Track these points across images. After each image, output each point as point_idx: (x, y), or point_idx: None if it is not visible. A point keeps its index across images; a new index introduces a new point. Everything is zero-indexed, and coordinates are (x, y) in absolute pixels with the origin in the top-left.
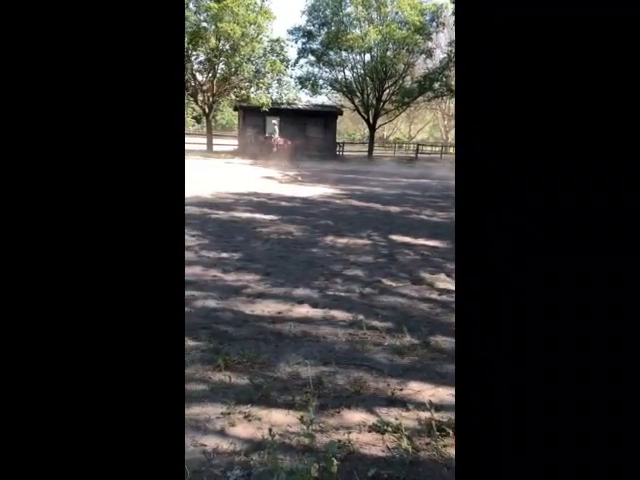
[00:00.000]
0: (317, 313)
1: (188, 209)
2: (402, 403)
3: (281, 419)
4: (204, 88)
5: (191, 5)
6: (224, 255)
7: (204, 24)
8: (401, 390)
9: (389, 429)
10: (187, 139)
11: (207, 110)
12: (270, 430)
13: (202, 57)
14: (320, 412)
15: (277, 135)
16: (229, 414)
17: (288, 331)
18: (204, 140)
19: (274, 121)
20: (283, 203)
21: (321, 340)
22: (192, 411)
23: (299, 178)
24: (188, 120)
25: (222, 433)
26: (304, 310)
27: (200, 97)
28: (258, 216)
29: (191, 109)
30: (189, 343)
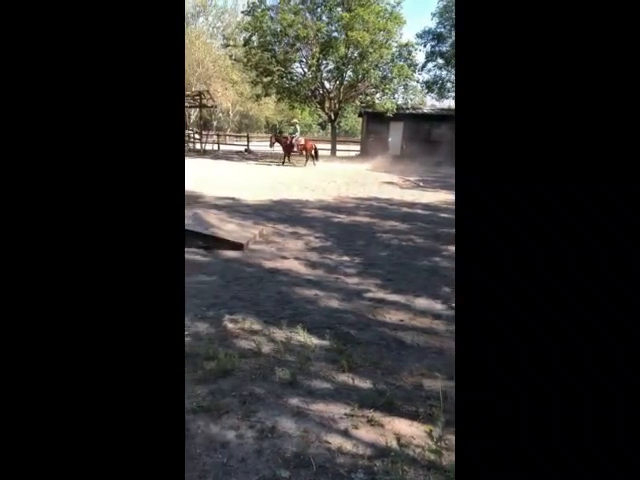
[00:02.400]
0: (441, 325)
1: (312, 212)
2: None
3: (404, 429)
4: (331, 95)
5: (324, 17)
6: (346, 258)
7: (335, 34)
8: None
9: None
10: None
11: (333, 116)
12: (398, 440)
13: (331, 66)
14: (447, 428)
15: (298, 134)
16: (352, 416)
17: (411, 340)
18: (328, 146)
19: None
20: (404, 209)
21: (445, 353)
22: (317, 407)
23: (420, 184)
24: (314, 127)
25: (346, 434)
26: (427, 320)
27: (327, 104)
28: (379, 221)
29: (317, 116)
30: (313, 340)
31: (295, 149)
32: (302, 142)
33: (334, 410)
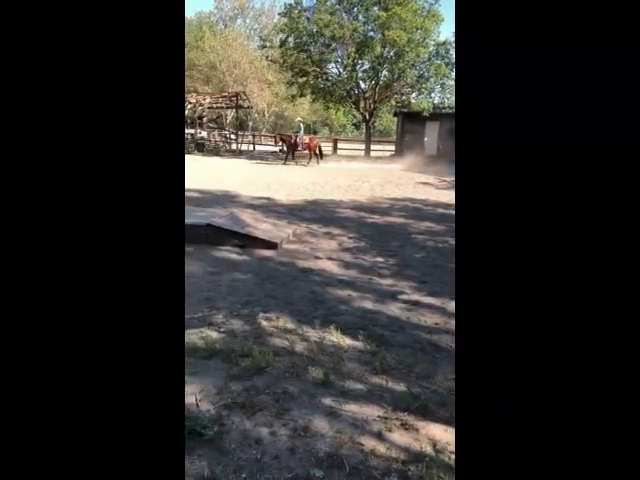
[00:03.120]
0: None
1: (345, 212)
2: None
3: (440, 434)
4: (366, 95)
5: (360, 16)
6: (379, 259)
7: (371, 33)
8: None
9: None
10: (346, 145)
11: (367, 116)
12: (434, 445)
13: (367, 65)
14: None
15: (302, 133)
16: (386, 419)
17: (446, 344)
18: (362, 146)
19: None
20: (439, 210)
21: None
22: (350, 408)
23: None
24: (348, 127)
25: (379, 436)
26: None
27: (362, 104)
28: (413, 222)
29: (352, 116)
30: (347, 341)
31: (299, 147)
32: (306, 140)
33: (367, 412)
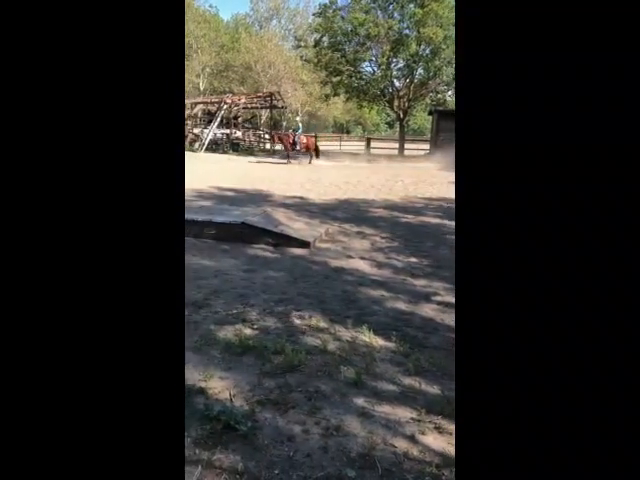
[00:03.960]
0: None
1: (378, 212)
2: None
3: None
4: (400, 94)
5: (396, 14)
6: (413, 259)
7: (406, 31)
8: None
9: None
10: (380, 144)
11: (402, 115)
12: None
13: (401, 64)
14: None
15: (301, 131)
16: (419, 421)
17: None
18: (396, 145)
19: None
20: None
21: None
22: (382, 409)
23: None
24: (381, 125)
25: (412, 439)
26: None
27: (396, 103)
28: (448, 222)
29: (385, 115)
30: (379, 342)
31: (298, 147)
32: (304, 140)
33: (400, 413)
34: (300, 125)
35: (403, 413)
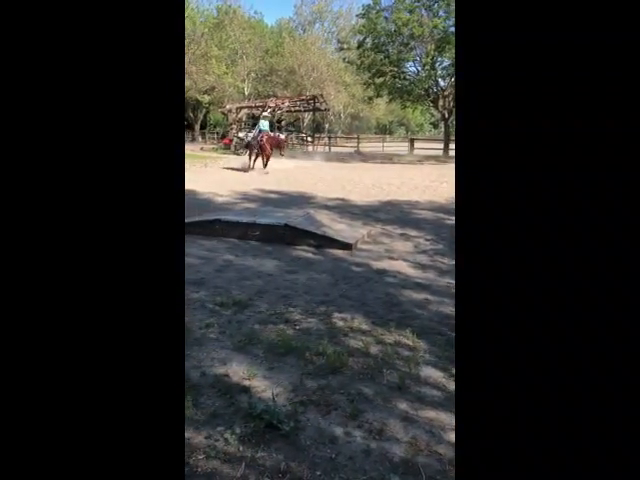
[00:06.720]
0: None
1: (422, 213)
2: None
3: None
4: (445, 93)
5: (441, 12)
6: None
7: (452, 29)
8: None
9: None
10: (424, 144)
11: (447, 115)
12: None
13: (446, 63)
14: None
15: (267, 130)
16: None
17: None
18: (440, 145)
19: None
20: None
21: None
22: (426, 415)
23: None
24: (425, 126)
25: None
26: None
27: (440, 102)
28: None
29: (429, 115)
30: (423, 346)
31: (256, 149)
32: (263, 139)
33: (445, 420)
34: (264, 123)
35: (448, 420)
